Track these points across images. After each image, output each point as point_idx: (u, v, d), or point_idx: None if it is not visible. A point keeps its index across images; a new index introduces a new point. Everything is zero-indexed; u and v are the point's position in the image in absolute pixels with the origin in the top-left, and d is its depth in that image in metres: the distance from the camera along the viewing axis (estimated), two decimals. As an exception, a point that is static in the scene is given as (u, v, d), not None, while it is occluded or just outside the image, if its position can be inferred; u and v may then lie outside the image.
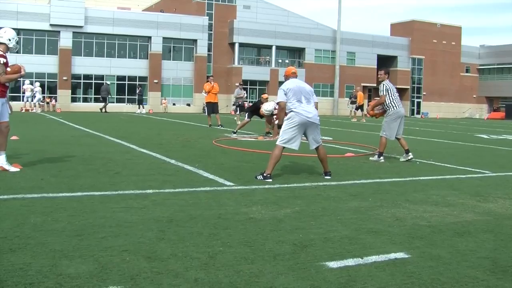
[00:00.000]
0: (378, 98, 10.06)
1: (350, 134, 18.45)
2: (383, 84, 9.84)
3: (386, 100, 9.75)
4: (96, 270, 3.19)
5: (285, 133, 7.23)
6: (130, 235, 4.02)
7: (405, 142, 9.88)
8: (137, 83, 40.50)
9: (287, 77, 7.65)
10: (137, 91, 36.54)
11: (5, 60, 7.03)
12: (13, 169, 7.09)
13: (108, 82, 36.92)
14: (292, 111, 7.23)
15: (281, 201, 5.62)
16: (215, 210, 5.04)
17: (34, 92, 33.06)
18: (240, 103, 21.51)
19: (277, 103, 7.46)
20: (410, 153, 9.77)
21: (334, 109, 48.81)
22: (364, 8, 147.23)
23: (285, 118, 7.33)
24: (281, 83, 48.53)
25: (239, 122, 20.73)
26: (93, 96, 41.06)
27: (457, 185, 7.19)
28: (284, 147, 7.24)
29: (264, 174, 7.05)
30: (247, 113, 16.09)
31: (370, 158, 9.93)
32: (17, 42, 7.35)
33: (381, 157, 9.72)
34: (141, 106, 35.64)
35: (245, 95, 22.63)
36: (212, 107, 19.72)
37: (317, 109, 7.51)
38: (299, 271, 3.31)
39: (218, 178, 7.03)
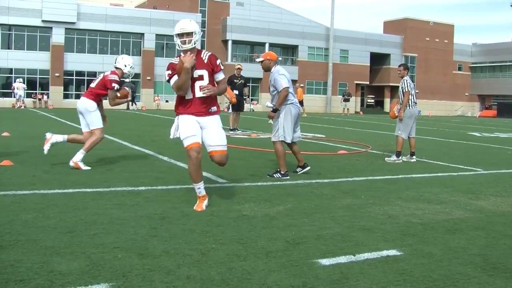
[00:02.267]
0: (401, 98, 9.48)
1: (342, 131, 18.48)
2: (406, 80, 9.44)
3: (405, 97, 9.42)
4: (87, 267, 3.18)
5: (287, 127, 7.11)
6: (122, 232, 4.01)
7: (414, 144, 9.60)
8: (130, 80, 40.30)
9: (271, 62, 7.25)
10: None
11: (118, 87, 7.37)
12: (86, 167, 7.16)
13: (127, 80, 36.60)
14: (292, 103, 7.15)
15: (274, 198, 5.62)
16: (207, 207, 5.03)
17: (14, 88, 33.26)
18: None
19: (284, 88, 7.02)
20: (414, 157, 9.56)
21: (327, 106, 48.88)
22: (357, 5, 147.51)
23: (283, 111, 7.13)
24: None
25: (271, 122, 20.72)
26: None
27: (449, 183, 7.22)
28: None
29: (282, 172, 7.07)
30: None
31: (386, 159, 9.56)
32: (132, 68, 7.76)
33: (400, 157, 9.43)
34: (133, 103, 35.54)
35: None
36: None
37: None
38: (291, 268, 3.31)
39: (211, 175, 7.02)
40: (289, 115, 7.14)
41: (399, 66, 9.78)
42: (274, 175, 7.08)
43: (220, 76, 5.15)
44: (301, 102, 33.09)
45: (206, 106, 5.04)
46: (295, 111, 7.21)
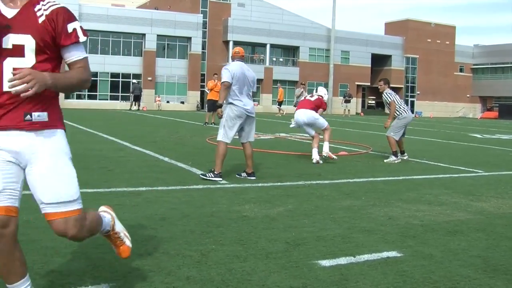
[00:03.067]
0: (390, 109, 9.91)
1: (343, 132, 18.48)
2: (388, 93, 9.88)
3: (396, 107, 9.79)
4: (88, 267, 3.18)
5: (226, 127, 6.86)
6: (122, 232, 4.01)
7: (401, 143, 9.89)
8: (131, 80, 40.33)
9: (232, 59, 7.20)
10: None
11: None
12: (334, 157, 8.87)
13: (135, 81, 36.60)
14: (231, 103, 6.87)
15: (274, 199, 5.62)
16: (208, 208, 5.03)
17: None
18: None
19: (222, 83, 6.87)
20: (406, 154, 9.89)
21: (328, 107, 48.85)
22: (359, 7, 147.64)
23: (224, 111, 6.92)
24: (275, 81, 48.25)
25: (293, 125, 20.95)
26: (86, 93, 40.91)
27: (450, 184, 7.22)
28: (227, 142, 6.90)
29: (215, 172, 6.74)
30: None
31: (385, 160, 9.65)
32: (326, 95, 9.70)
33: (398, 156, 9.63)
34: (136, 103, 35.50)
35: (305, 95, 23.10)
36: (213, 105, 19.65)
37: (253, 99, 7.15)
38: (291, 270, 3.31)
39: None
40: (228, 115, 6.86)
41: (379, 81, 10.30)
42: (207, 174, 6.76)
43: (73, 54, 2.50)
44: (280, 103, 33.55)
45: (21, 110, 2.27)
46: (238, 111, 6.85)
